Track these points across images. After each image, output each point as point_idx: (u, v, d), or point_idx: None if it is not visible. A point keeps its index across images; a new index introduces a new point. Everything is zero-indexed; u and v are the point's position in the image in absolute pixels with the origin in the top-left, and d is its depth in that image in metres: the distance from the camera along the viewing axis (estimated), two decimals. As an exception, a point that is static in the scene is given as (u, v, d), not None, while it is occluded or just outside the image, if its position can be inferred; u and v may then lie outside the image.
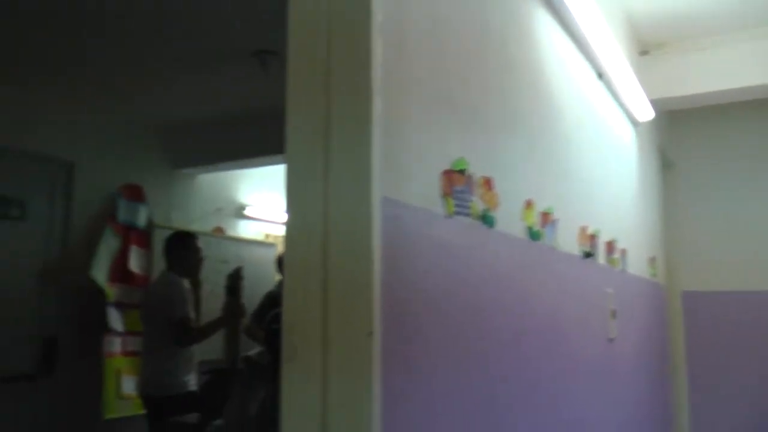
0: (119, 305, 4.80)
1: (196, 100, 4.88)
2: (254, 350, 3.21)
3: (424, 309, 1.49)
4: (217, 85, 4.54)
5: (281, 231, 6.50)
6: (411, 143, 1.49)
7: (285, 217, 1.39)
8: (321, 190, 1.33)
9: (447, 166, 1.63)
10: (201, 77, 4.39)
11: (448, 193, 1.62)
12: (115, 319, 4.73)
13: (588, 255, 2.87)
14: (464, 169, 1.71)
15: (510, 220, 2.02)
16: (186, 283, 4.32)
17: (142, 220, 5.09)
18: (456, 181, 1.65)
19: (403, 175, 1.44)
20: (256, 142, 5.12)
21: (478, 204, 1.78)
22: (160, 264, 4.94)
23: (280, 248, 6.28)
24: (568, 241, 2.62)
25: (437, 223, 1.58)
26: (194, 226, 5.31)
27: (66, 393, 4.50)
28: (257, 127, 5.06)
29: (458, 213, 1.67)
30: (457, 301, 1.66)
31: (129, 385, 4.74)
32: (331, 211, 1.31)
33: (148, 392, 4.21)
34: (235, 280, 4.29)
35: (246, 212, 6.13)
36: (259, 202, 6.28)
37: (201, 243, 4.51)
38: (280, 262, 5.38)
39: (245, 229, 6.18)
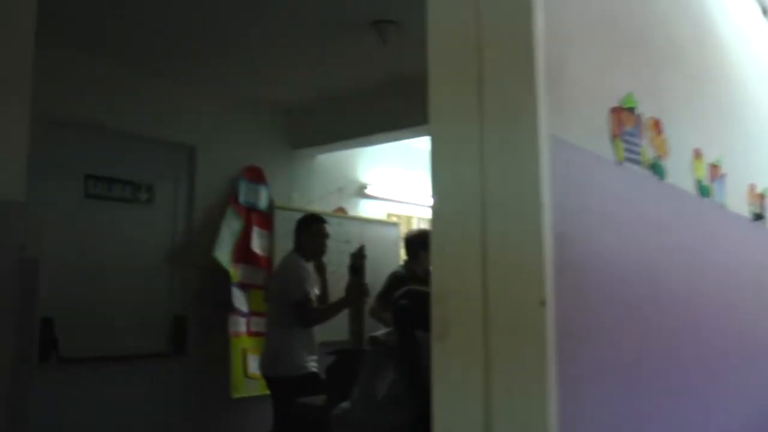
0: (243, 286, 4.78)
1: (313, 79, 4.76)
2: (381, 331, 3.03)
3: (595, 274, 1.24)
4: (335, 61, 4.39)
5: (403, 210, 6.34)
6: (575, 73, 1.23)
7: (432, 170, 1.15)
8: (477, 133, 1.09)
9: (615, 103, 1.36)
10: (318, 54, 4.25)
11: (617, 134, 1.35)
12: (239, 299, 4.71)
13: (758, 217, 2.50)
14: (633, 108, 1.43)
15: (679, 172, 1.71)
16: (309, 266, 4.23)
17: (263, 201, 5.05)
18: (625, 121, 1.38)
19: (569, 112, 1.18)
20: (376, 119, 4.97)
21: (647, 150, 1.50)
22: (282, 245, 4.89)
23: (403, 228, 6.12)
24: (736, 200, 2.27)
25: (607, 170, 1.31)
26: (315, 207, 5.21)
27: (196, 371, 4.54)
28: (377, 103, 4.92)
29: (628, 159, 1.39)
30: (629, 265, 1.39)
31: (256, 365, 4.72)
32: (489, 156, 1.07)
33: (267, 373, 4.19)
34: (358, 260, 4.16)
35: (367, 191, 5.98)
36: (379, 181, 6.11)
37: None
38: (408, 243, 5.19)
39: (366, 209, 6.04)
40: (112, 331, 4.19)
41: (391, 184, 6.21)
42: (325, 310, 4.19)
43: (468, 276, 1.05)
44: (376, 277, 5.36)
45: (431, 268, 1.09)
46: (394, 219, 6.26)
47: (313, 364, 4.12)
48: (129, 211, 4.36)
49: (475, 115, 1.08)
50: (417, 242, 5.16)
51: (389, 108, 4.88)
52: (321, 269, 4.42)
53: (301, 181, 5.48)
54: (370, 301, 4.55)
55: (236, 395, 4.57)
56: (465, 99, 1.09)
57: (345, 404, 2.95)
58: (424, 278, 5.10)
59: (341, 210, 5.71)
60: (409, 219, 6.46)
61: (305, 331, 4.11)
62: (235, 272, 4.73)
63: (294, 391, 3.82)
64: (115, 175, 4.31)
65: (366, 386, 2.90)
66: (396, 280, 4.96)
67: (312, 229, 4.31)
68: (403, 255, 5.46)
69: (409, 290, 3.06)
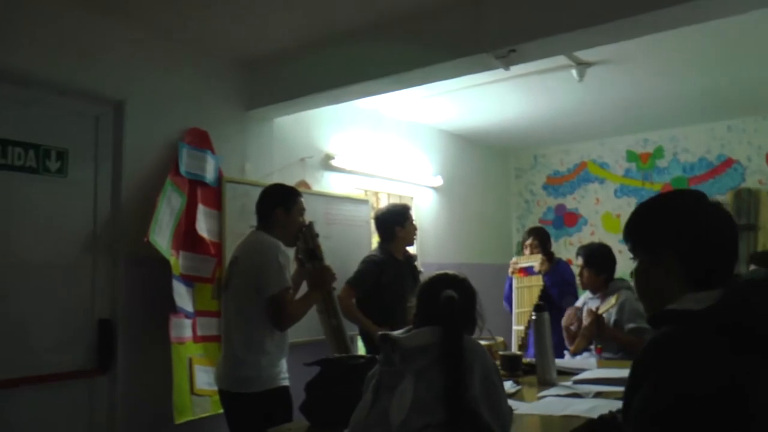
0: (187, 278, 3.80)
1: (274, 24, 3.82)
2: (402, 330, 2.13)
3: None
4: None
5: (371, 185, 5.47)
6: None
7: None
8: None
9: None
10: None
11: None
12: (182, 296, 3.72)
13: None
14: None
15: None
16: (283, 247, 3.28)
17: (210, 173, 4.05)
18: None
19: None
20: (347, 69, 4.05)
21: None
22: (234, 227, 4.02)
23: (375, 205, 5.25)
24: None
25: None
26: (273, 180, 4.23)
27: (128, 391, 3.58)
28: (349, 52, 4.02)
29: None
30: None
31: (205, 379, 3.75)
32: None
33: (224, 387, 3.28)
34: (311, 239, 3.45)
35: (334, 163, 5.04)
36: (347, 152, 5.19)
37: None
38: (381, 221, 4.46)
39: (333, 183, 5.10)
40: (15, 344, 3.18)
41: (361, 155, 5.31)
42: (298, 304, 3.26)
43: None
44: (347, 260, 4.53)
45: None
46: (365, 196, 5.37)
47: (283, 375, 3.21)
48: (34, 184, 3.33)
49: None
50: (392, 219, 4.44)
51: (362, 57, 3.99)
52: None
53: (257, 149, 4.54)
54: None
55: (181, 419, 3.59)
56: None
57: (342, 437, 2.03)
58: (406, 261, 4.34)
59: (304, 184, 4.78)
60: (377, 195, 5.57)
61: (277, 332, 3.19)
62: (177, 261, 3.74)
63: (261, 411, 2.91)
64: (11, 136, 3.26)
65: (373, 411, 2.00)
66: (374, 265, 4.33)
67: (292, 205, 3.38)
68: (376, 237, 4.67)
69: (452, 276, 2.18)
